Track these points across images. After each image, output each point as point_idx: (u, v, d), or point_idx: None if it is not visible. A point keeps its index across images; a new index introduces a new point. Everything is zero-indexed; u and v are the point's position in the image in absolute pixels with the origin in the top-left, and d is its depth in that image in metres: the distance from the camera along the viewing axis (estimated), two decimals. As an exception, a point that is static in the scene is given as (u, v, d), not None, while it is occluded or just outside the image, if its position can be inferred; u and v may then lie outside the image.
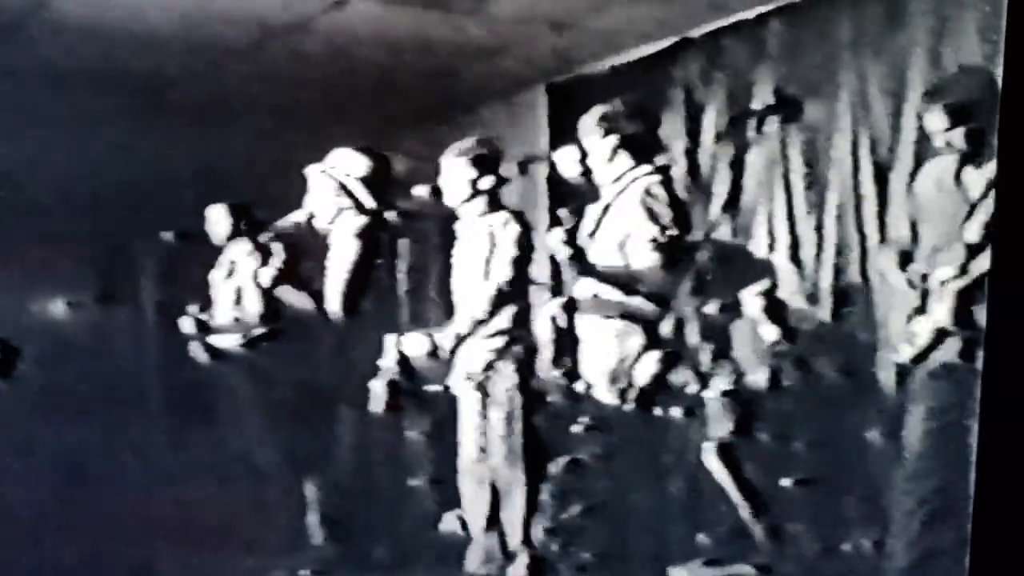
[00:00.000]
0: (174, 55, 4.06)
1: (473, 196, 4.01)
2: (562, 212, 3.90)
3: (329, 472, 4.25)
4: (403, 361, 4.14)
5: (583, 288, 3.91)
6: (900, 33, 3.65)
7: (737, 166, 3.97)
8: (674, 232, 3.78)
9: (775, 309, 3.86)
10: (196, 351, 4.32)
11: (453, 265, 4.11)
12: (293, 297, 4.32)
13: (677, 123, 4.03)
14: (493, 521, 4.01)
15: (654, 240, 3.77)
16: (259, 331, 4.32)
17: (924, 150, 3.57)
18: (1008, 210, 2.66)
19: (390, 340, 4.13)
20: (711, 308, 3.89)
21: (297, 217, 4.27)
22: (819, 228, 3.86)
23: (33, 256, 4.03)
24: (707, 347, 3.90)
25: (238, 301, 4.36)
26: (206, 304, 4.39)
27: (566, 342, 3.92)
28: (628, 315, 3.82)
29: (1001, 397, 2.56)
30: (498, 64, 4.10)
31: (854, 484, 3.69)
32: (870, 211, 3.77)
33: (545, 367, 3.97)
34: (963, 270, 3.36)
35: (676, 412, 3.90)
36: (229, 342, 4.33)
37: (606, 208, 3.86)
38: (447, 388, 4.09)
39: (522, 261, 3.99)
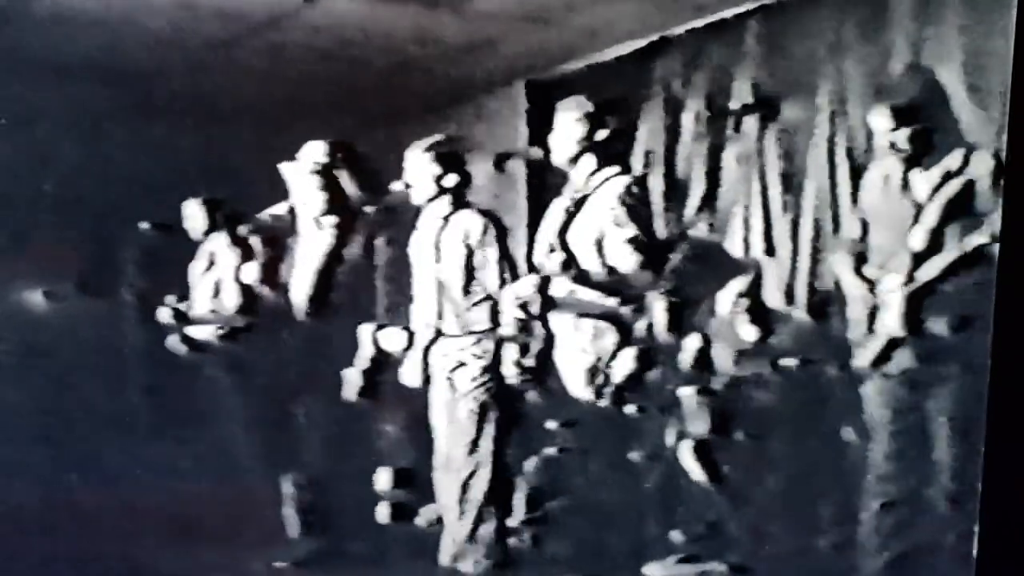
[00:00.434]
0: (155, 49, 4.05)
1: (438, 194, 4.01)
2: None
3: (305, 465, 4.26)
4: (379, 354, 4.16)
5: (559, 285, 3.92)
6: (880, 34, 3.65)
7: (714, 165, 3.96)
8: (653, 231, 3.80)
9: (757, 310, 3.87)
10: (173, 342, 4.33)
11: (412, 261, 4.10)
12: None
13: (655, 121, 4.03)
14: (466, 515, 4.03)
15: (633, 240, 3.78)
16: (237, 323, 4.33)
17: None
18: (1016, 214, 2.67)
19: (366, 331, 4.15)
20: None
21: (276, 211, 4.28)
22: (795, 227, 3.87)
23: (11, 246, 4.03)
24: (683, 345, 3.91)
25: (216, 294, 4.37)
26: (184, 295, 4.40)
27: (535, 330, 3.94)
28: (603, 315, 3.83)
29: (1009, 397, 2.57)
30: (477, 60, 4.10)
31: (830, 482, 3.70)
32: (847, 211, 3.77)
33: (514, 358, 3.98)
34: (910, 278, 3.36)
35: (652, 410, 3.91)
36: (206, 333, 4.34)
37: (579, 205, 3.87)
38: (425, 382, 4.11)
39: (503, 260, 4.00)
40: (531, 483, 4.03)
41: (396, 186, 4.12)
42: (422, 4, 3.84)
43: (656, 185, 3.93)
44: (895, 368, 3.46)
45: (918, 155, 3.43)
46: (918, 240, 3.38)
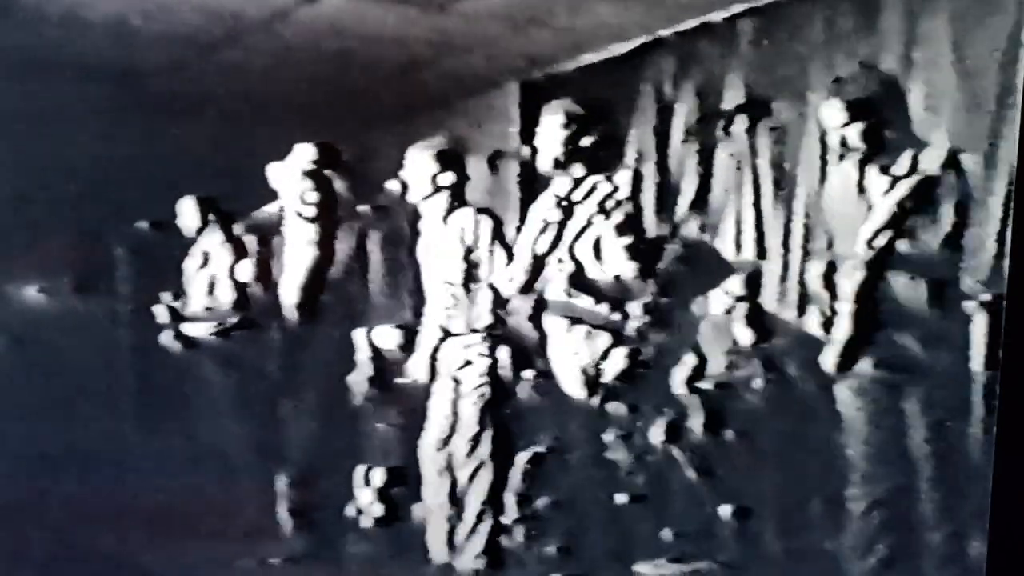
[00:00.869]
0: (149, 47, 4.06)
1: (435, 192, 4.03)
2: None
3: (298, 463, 4.28)
4: (376, 354, 4.17)
5: (554, 288, 3.93)
6: (871, 35, 3.65)
7: (705, 166, 3.97)
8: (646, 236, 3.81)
9: (752, 312, 3.87)
10: (168, 339, 4.35)
11: (420, 262, 4.13)
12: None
13: (646, 122, 4.04)
14: (464, 514, 4.04)
15: (631, 247, 3.78)
16: (232, 320, 4.35)
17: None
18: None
19: (360, 334, 4.16)
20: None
21: (270, 209, 4.30)
22: (787, 228, 3.87)
23: (5, 243, 4.05)
24: (675, 344, 3.92)
25: (211, 291, 4.39)
26: (179, 293, 4.42)
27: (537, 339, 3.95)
28: (595, 321, 3.84)
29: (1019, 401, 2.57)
30: (470, 61, 4.11)
31: (820, 484, 3.71)
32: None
33: (513, 363, 4.00)
34: (862, 276, 3.36)
35: (644, 408, 3.92)
36: (201, 331, 4.36)
37: (569, 213, 3.88)
38: (416, 381, 4.12)
39: (500, 256, 4.02)
40: (523, 482, 4.04)
41: (390, 185, 4.14)
42: (415, 5, 3.85)
43: (647, 187, 3.94)
44: (861, 370, 3.45)
45: (871, 154, 3.40)
46: (870, 241, 3.36)
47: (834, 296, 3.51)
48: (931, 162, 3.34)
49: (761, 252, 3.92)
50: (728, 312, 3.87)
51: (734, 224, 3.95)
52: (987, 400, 3.23)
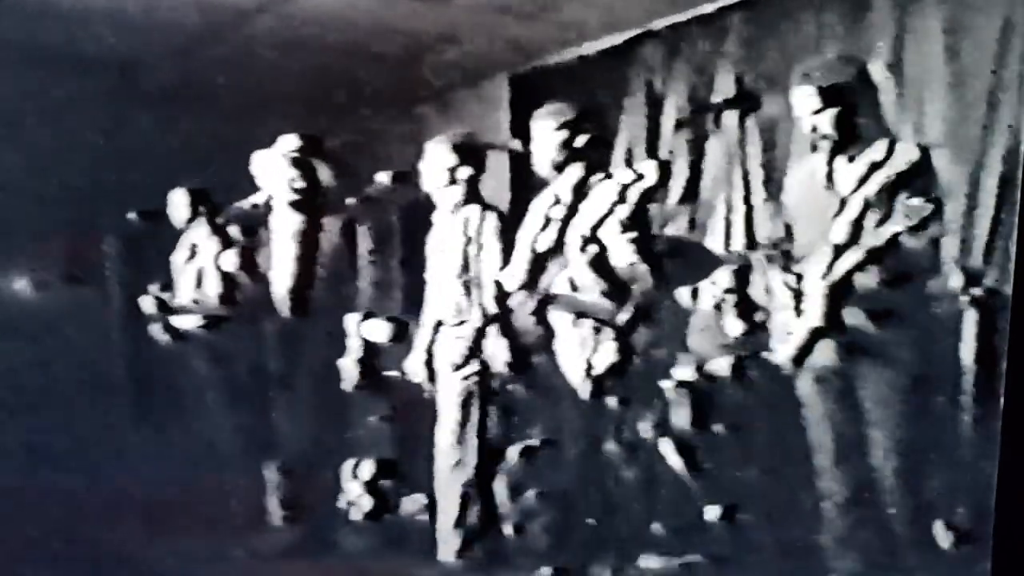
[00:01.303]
0: (142, 39, 4.06)
1: (450, 184, 4.02)
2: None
3: (288, 454, 4.28)
4: (366, 345, 4.18)
5: (560, 283, 3.92)
6: (860, 28, 3.65)
7: (695, 158, 3.97)
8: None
9: (743, 304, 3.86)
10: (156, 332, 4.35)
11: (427, 254, 4.12)
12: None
13: (637, 115, 4.03)
14: (455, 505, 4.05)
15: (634, 242, 3.77)
16: (219, 312, 4.34)
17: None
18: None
19: (351, 320, 4.16)
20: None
21: (255, 200, 4.29)
22: (775, 221, 3.87)
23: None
24: (666, 337, 3.92)
25: (199, 283, 4.38)
26: (168, 285, 4.41)
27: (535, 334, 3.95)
28: (598, 317, 3.83)
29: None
30: (459, 53, 4.11)
31: (807, 476, 3.71)
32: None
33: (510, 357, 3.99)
34: (830, 269, 3.34)
35: (633, 401, 3.92)
36: (190, 323, 4.35)
37: (572, 208, 3.86)
38: (403, 373, 4.13)
39: (505, 253, 4.01)
40: (514, 474, 4.04)
41: (380, 177, 4.13)
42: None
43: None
44: (820, 362, 3.43)
45: (841, 145, 3.37)
46: (840, 233, 3.33)
47: (788, 286, 3.47)
48: (909, 154, 3.32)
49: (751, 244, 3.92)
50: (717, 307, 3.87)
51: (724, 216, 3.96)
52: (978, 393, 3.23)
